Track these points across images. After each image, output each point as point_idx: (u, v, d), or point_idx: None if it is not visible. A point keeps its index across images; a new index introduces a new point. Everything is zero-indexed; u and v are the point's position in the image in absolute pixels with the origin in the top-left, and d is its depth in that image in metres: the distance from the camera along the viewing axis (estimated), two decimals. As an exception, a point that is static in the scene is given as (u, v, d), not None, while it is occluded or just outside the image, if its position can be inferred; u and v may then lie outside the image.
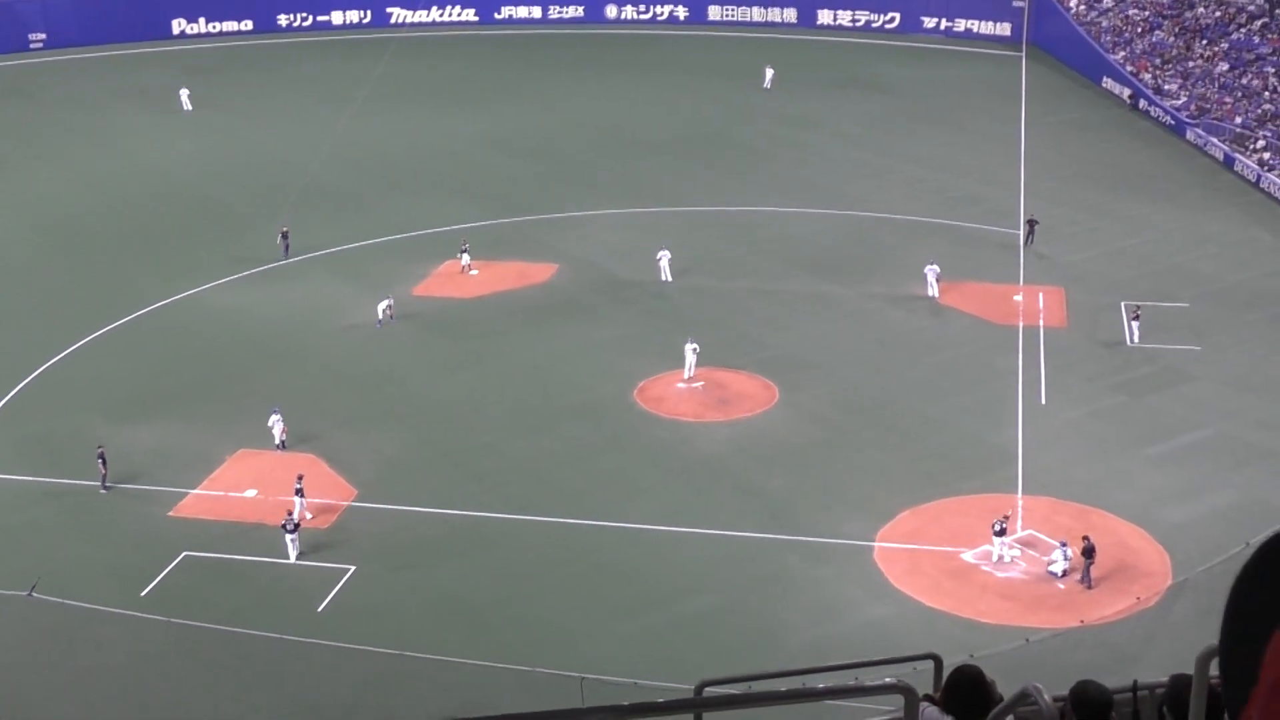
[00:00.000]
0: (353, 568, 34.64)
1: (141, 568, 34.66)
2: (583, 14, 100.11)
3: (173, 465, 39.63)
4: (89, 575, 34.52)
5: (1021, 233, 55.71)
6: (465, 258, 53.68)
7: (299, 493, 36.83)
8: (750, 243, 56.54)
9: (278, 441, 40.30)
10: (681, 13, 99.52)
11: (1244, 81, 73.21)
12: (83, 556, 35.59)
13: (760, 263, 54.37)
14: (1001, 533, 34.30)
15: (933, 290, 50.35)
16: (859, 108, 76.98)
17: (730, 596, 33.33)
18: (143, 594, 33.52)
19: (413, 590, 33.91)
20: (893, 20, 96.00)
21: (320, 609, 33.02)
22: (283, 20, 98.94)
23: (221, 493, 38.39)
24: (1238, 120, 69.39)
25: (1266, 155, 65.05)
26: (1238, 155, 65.69)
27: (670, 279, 52.17)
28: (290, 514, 35.51)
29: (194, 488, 38.53)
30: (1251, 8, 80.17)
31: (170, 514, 37.36)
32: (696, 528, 36.01)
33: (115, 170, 68.52)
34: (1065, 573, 33.42)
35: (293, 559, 34.84)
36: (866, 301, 50.59)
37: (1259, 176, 63.18)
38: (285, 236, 55.39)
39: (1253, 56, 75.31)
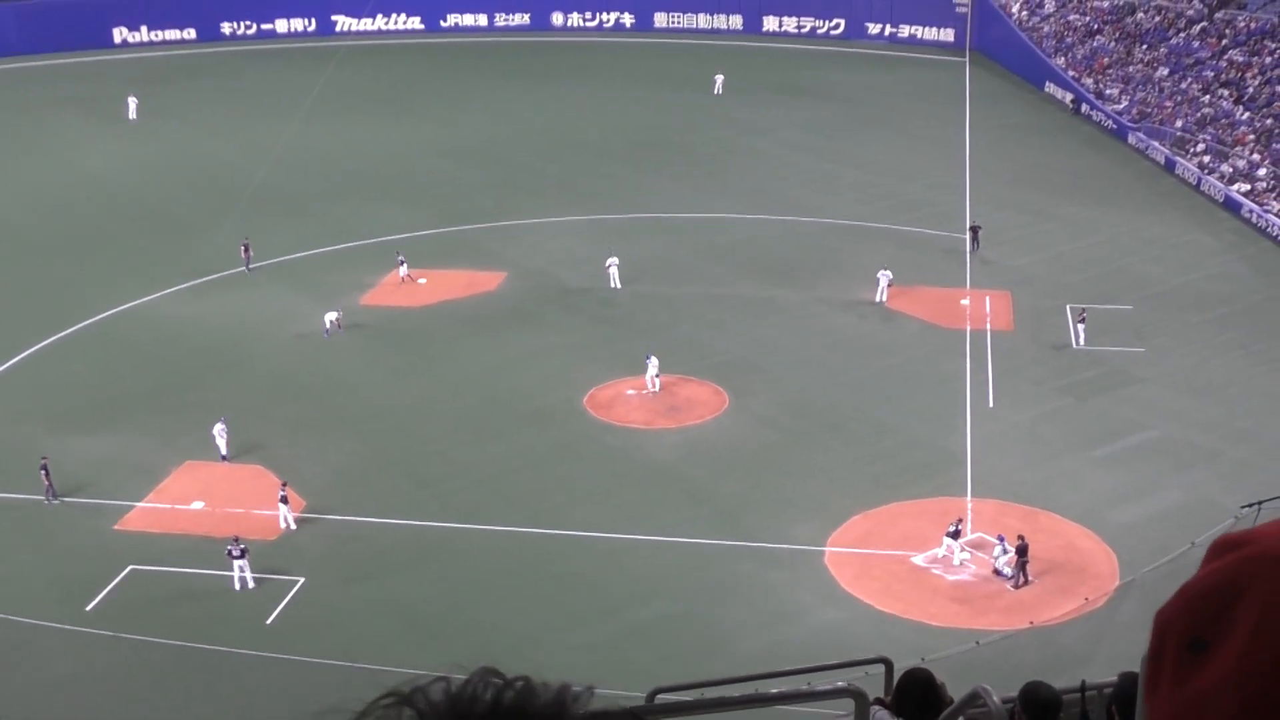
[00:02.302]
0: (302, 579, 34.37)
1: (87, 581, 34.23)
2: (529, 21, 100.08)
3: (118, 477, 39.18)
4: (33, 589, 34.07)
5: (966, 239, 55.99)
6: (403, 269, 53.27)
7: (284, 500, 36.40)
8: (699, 249, 56.64)
9: (223, 453, 39.90)
10: (628, 20, 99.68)
11: (1183, 86, 74.13)
12: (26, 570, 35.12)
13: (710, 268, 54.48)
14: (956, 535, 34.52)
15: (881, 295, 50.61)
16: (805, 113, 77.34)
17: (682, 603, 33.33)
18: (88, 608, 33.12)
19: (363, 601, 33.69)
20: (838, 26, 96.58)
21: (269, 621, 32.73)
22: (226, 29, 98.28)
23: (168, 505, 37.99)
24: (1178, 124, 70.25)
25: (1206, 159, 65.88)
26: (1178, 159, 66.50)
27: (619, 286, 52.17)
28: (238, 539, 34.38)
29: (140, 500, 38.11)
30: (1190, 12, 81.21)
31: (116, 527, 36.94)
32: (648, 534, 36.00)
33: (58, 179, 67.81)
34: (1012, 575, 33.64)
35: (237, 588, 33.98)
36: (816, 306, 50.79)
37: (1199, 179, 63.97)
38: (247, 249, 54.78)
39: (1192, 61, 76.28)
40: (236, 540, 34.27)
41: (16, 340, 48.47)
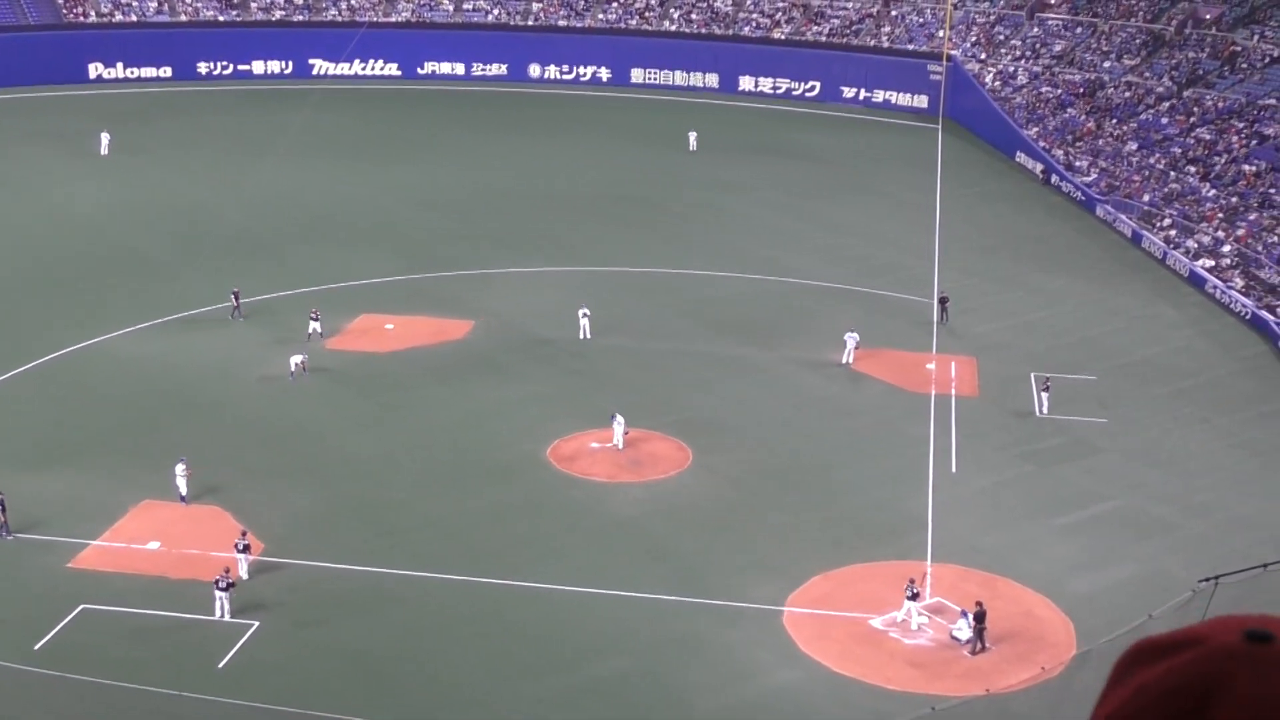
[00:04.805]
0: (256, 623, 33.98)
1: (36, 620, 33.72)
2: (506, 72, 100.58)
3: (74, 515, 38.71)
4: (-19, 627, 33.58)
5: (935, 310, 55.78)
6: (315, 325, 51.51)
7: (245, 549, 35.94)
8: (669, 304, 56.74)
9: (182, 494, 39.48)
10: (604, 74, 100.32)
11: (1151, 161, 75.04)
12: (-24, 607, 34.62)
13: (678, 325, 54.55)
14: (914, 597, 34.46)
15: (848, 357, 50.75)
16: (779, 174, 77.83)
17: (639, 659, 33.11)
18: (36, 647, 32.60)
19: (318, 647, 33.33)
20: (813, 89, 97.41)
21: (221, 665, 32.33)
22: (202, 68, 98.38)
23: (124, 544, 37.55)
24: (1145, 198, 71.04)
25: (1172, 233, 66.60)
26: (1145, 232, 67.19)
27: (589, 337, 52.16)
28: (226, 571, 34.36)
29: (95, 539, 37.65)
30: (1160, 89, 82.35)
31: (69, 565, 36.47)
32: (607, 589, 35.80)
33: (25, 213, 67.52)
34: (969, 640, 33.61)
35: (227, 617, 33.74)
36: (783, 366, 50.88)
37: (1165, 253, 64.62)
38: (237, 297, 54.09)
39: (1160, 137, 77.27)
40: (226, 572, 34.28)
41: (-23, 372, 48.04)
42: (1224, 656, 1.89)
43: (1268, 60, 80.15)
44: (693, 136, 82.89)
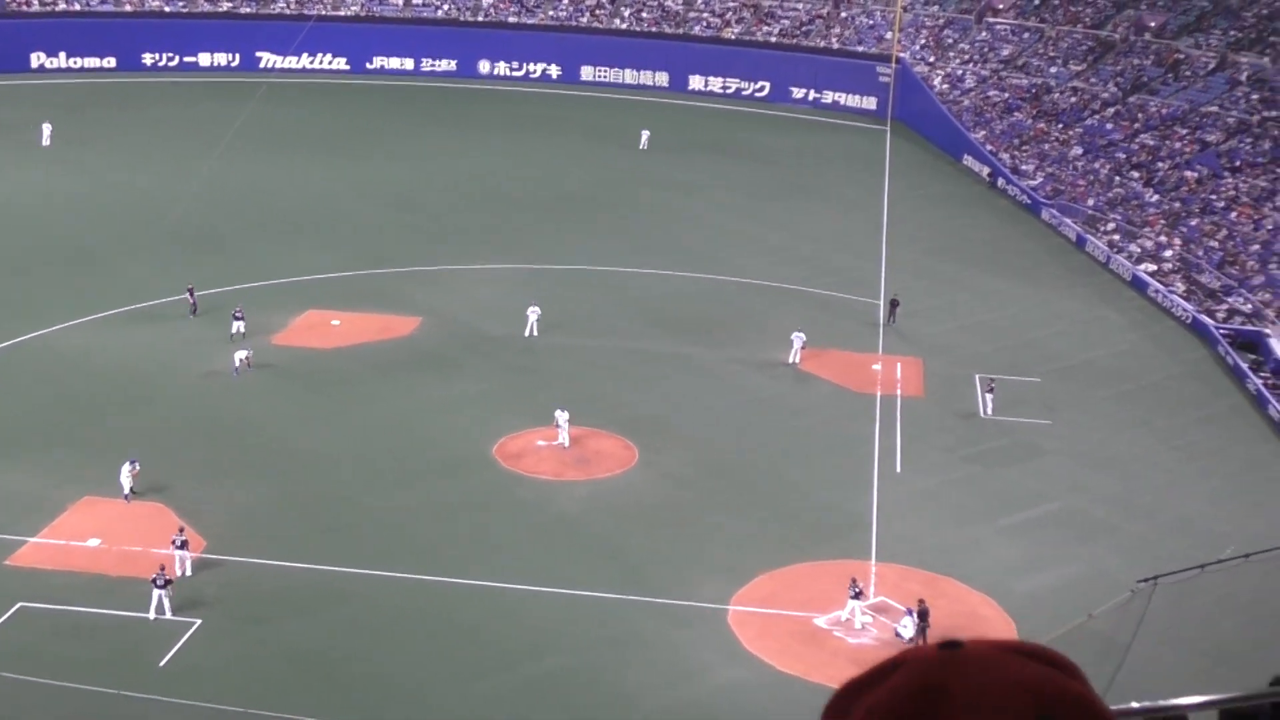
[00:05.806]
0: (198, 621, 33.67)
1: (-27, 617, 33.31)
2: (455, 68, 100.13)
3: (12, 511, 38.17)
4: (-83, 624, 33.08)
5: (882, 311, 56.20)
6: (238, 325, 50.42)
7: (184, 545, 35.56)
8: (617, 302, 56.72)
9: (126, 491, 38.97)
10: (554, 71, 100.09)
11: (1096, 166, 75.80)
12: (-89, 604, 34.10)
13: (626, 323, 54.55)
14: (858, 596, 34.68)
15: (794, 357, 50.95)
16: (728, 173, 77.94)
17: (583, 657, 33.12)
18: (-27, 645, 32.20)
19: (261, 646, 33.09)
20: (762, 89, 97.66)
21: (163, 664, 32.01)
22: (148, 59, 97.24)
23: (63, 541, 37.09)
24: (1090, 202, 71.75)
25: (1116, 237, 67.32)
26: (1089, 236, 67.87)
27: (536, 335, 52.06)
28: (162, 568, 33.98)
29: (34, 535, 37.18)
30: (1105, 95, 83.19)
31: (7, 562, 35.98)
32: (552, 587, 35.76)
33: (-34, 204, 66.50)
34: (913, 639, 33.85)
35: (168, 614, 33.42)
36: (729, 365, 51.00)
37: (1108, 258, 65.30)
38: (192, 294, 53.29)
39: (1105, 142, 78.06)
40: (162, 569, 33.91)
41: (-86, 365, 47.29)
42: (933, 665, 2.23)
43: (1210, 68, 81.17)
44: (645, 135, 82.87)
